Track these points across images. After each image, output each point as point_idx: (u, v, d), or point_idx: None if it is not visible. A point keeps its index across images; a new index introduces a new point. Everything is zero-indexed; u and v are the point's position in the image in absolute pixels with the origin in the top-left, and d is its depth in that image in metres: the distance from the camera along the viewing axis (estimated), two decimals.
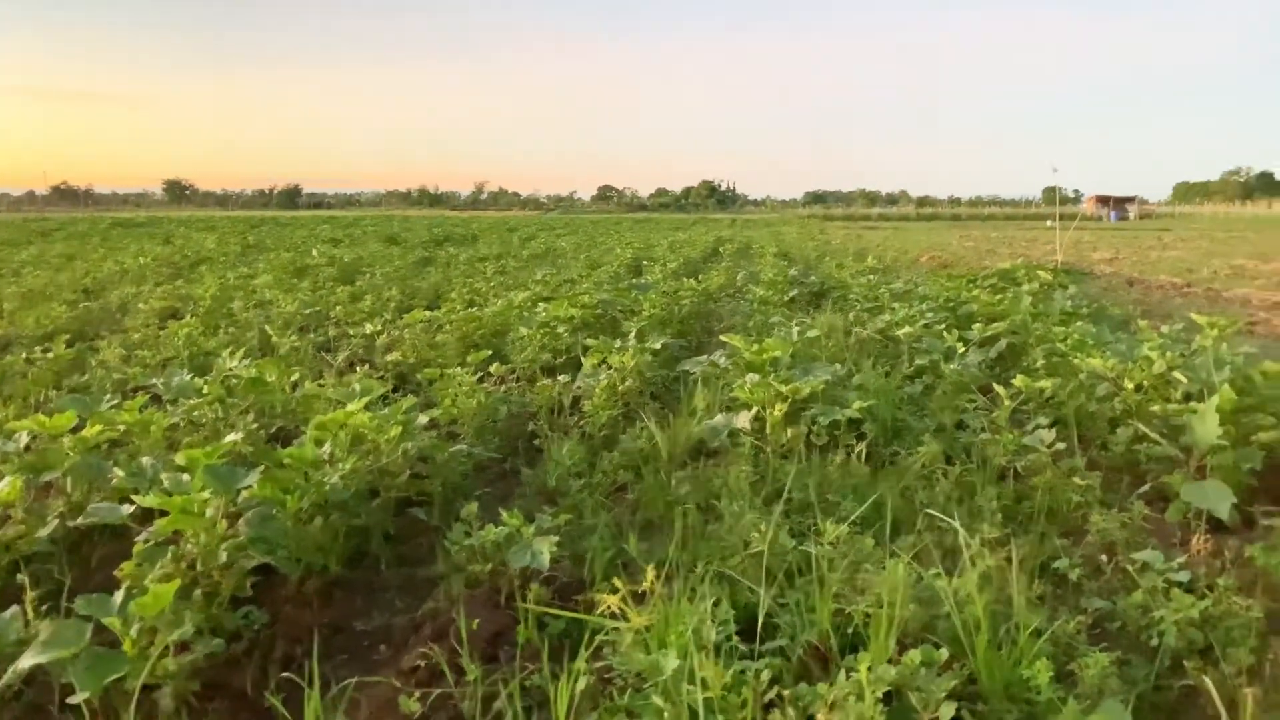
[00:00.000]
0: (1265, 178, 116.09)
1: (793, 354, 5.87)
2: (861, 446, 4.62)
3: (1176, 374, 4.77)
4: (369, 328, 8.06)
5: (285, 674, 2.76)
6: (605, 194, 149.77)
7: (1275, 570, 3.31)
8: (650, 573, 2.64)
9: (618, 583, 2.54)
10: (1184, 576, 3.18)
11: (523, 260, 19.20)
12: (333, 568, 3.62)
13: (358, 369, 6.49)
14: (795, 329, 6.43)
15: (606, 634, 2.59)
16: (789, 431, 4.54)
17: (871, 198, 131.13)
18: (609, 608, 2.51)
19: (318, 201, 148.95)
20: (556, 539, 3.27)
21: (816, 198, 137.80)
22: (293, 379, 5.71)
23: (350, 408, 3.96)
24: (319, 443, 3.94)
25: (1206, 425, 4.25)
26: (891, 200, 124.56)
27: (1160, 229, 45.03)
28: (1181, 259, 20.65)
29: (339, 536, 3.68)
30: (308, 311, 9.65)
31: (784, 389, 4.58)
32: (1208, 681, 2.35)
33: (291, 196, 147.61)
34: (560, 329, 7.32)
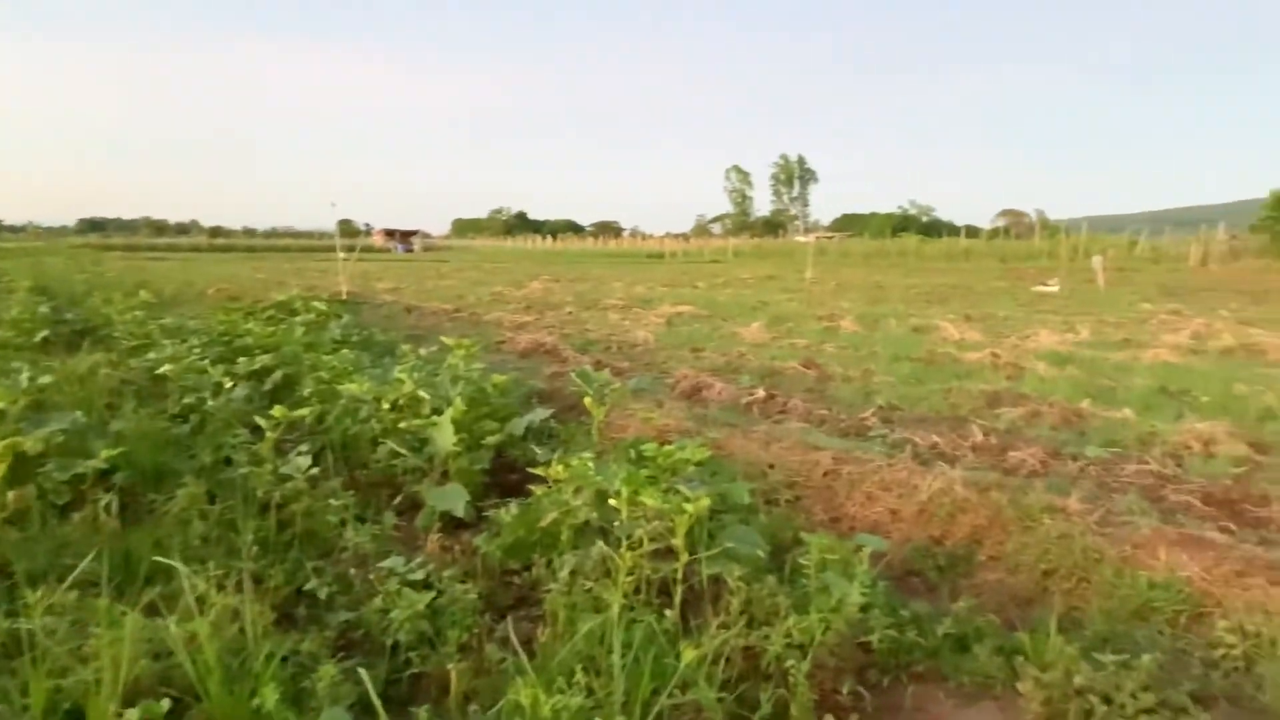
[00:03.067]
0: (522, 216, 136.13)
1: (31, 403, 5.15)
2: (110, 498, 4.23)
3: (421, 392, 5.29)
4: None
5: None
6: None
7: (493, 554, 3.87)
8: None
9: None
10: (420, 575, 3.53)
11: None
12: None
13: None
14: (25, 376, 5.63)
15: None
16: (11, 494, 3.95)
17: (159, 227, 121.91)
18: None
19: None
20: None
21: (94, 225, 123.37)
22: None
23: None
24: None
25: (444, 435, 4.79)
26: (182, 230, 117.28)
27: (440, 260, 49.79)
28: (454, 287, 23.09)
29: None
30: None
31: None
32: (363, 673, 2.48)
33: None
34: None
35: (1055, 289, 23.11)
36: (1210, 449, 5.70)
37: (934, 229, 74.29)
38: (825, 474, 4.97)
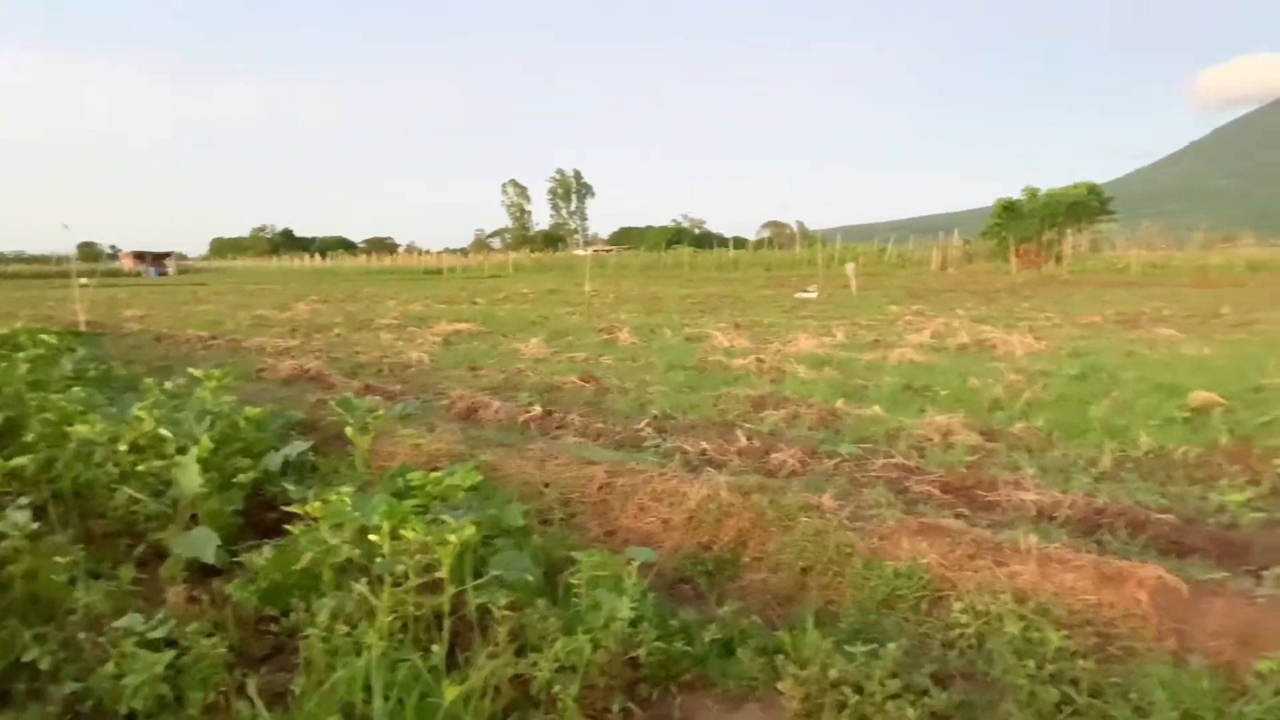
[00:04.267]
0: (288, 235, 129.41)
1: None
2: None
3: (164, 430, 4.87)
4: None
5: None
6: None
7: (247, 601, 3.61)
8: None
9: None
10: (162, 632, 3.23)
11: None
12: None
13: None
14: None
15: None
16: None
17: None
18: None
19: None
20: None
21: None
22: None
23: None
24: None
25: (189, 475, 4.43)
26: None
27: (197, 284, 46.57)
28: (212, 312, 21.61)
29: None
30: None
31: None
32: None
33: None
34: None
35: (814, 295, 24.60)
36: (948, 439, 6.20)
37: (705, 241, 77.26)
38: (600, 488, 5.00)
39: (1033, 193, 44.95)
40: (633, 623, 3.19)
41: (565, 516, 4.78)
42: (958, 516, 4.40)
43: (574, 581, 3.46)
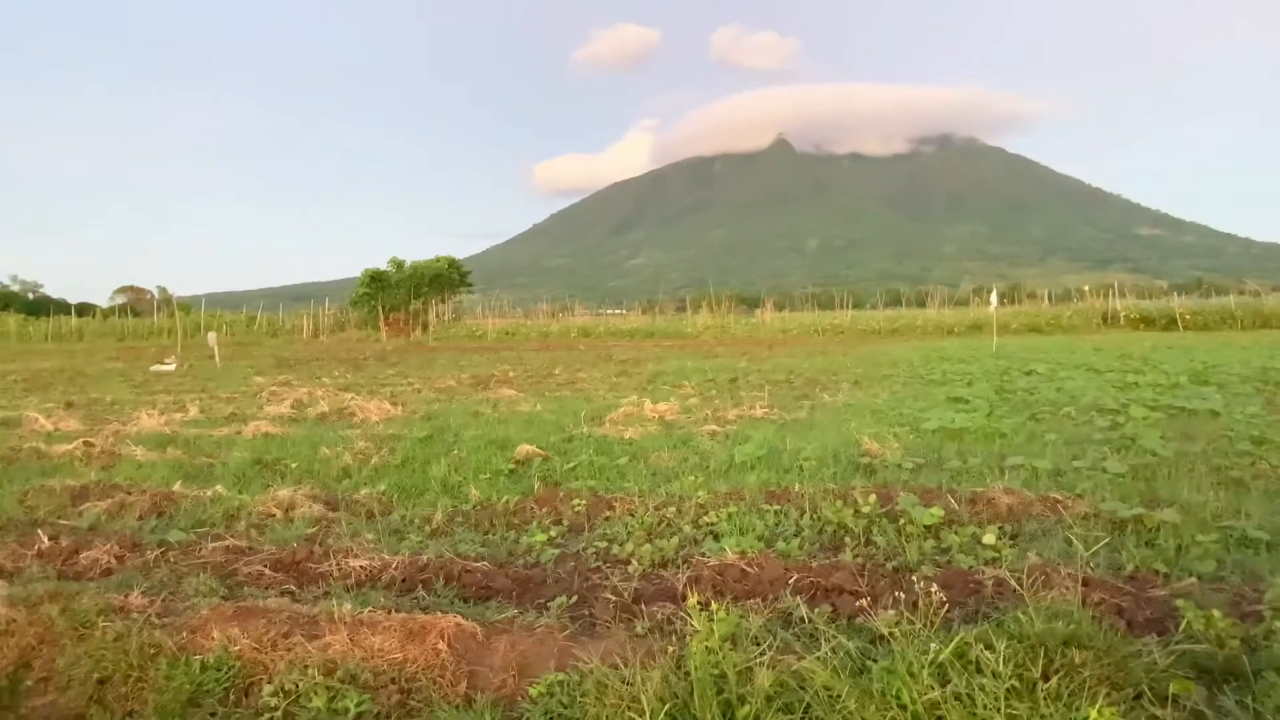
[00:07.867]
0: None
1: None
2: None
3: None
4: None
5: None
6: None
7: None
8: None
9: None
10: None
11: None
12: None
13: None
14: None
15: None
16: None
17: None
18: None
19: None
20: None
21: None
22: None
23: None
24: None
25: None
26: None
27: None
28: None
29: None
30: None
31: None
32: None
33: None
34: None
35: (173, 367, 22.70)
36: (290, 514, 6.09)
37: (42, 307, 66.78)
38: None
39: (399, 264, 47.32)
40: None
41: None
42: (285, 594, 4.30)
43: None
